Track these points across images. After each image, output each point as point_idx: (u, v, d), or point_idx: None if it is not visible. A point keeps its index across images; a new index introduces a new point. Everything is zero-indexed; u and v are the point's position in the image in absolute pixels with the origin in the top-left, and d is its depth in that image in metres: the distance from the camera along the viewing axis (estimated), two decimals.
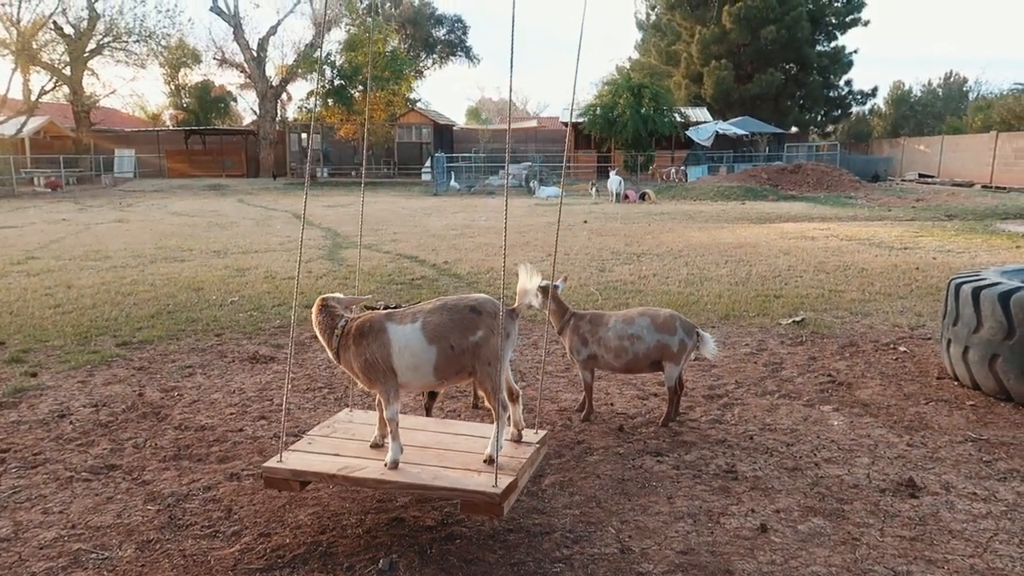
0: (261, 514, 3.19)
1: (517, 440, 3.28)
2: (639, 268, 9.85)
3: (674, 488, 3.47)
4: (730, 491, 3.44)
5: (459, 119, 59.23)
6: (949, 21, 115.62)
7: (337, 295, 3.29)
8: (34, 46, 33.68)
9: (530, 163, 32.92)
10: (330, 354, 3.16)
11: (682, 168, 30.60)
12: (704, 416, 4.46)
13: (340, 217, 18.19)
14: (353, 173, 38.50)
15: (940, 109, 51.03)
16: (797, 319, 6.87)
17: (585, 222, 16.28)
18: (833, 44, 43.37)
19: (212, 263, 10.44)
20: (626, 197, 22.60)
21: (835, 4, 42.53)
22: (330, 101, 36.81)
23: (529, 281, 3.25)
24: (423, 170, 35.96)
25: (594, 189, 25.46)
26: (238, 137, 43.02)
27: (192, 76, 47.41)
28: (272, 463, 3.05)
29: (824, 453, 3.89)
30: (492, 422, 3.10)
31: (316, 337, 3.30)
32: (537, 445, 3.28)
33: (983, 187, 27.76)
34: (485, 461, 3.00)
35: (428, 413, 4.22)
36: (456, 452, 3.16)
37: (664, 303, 7.59)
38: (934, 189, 27.38)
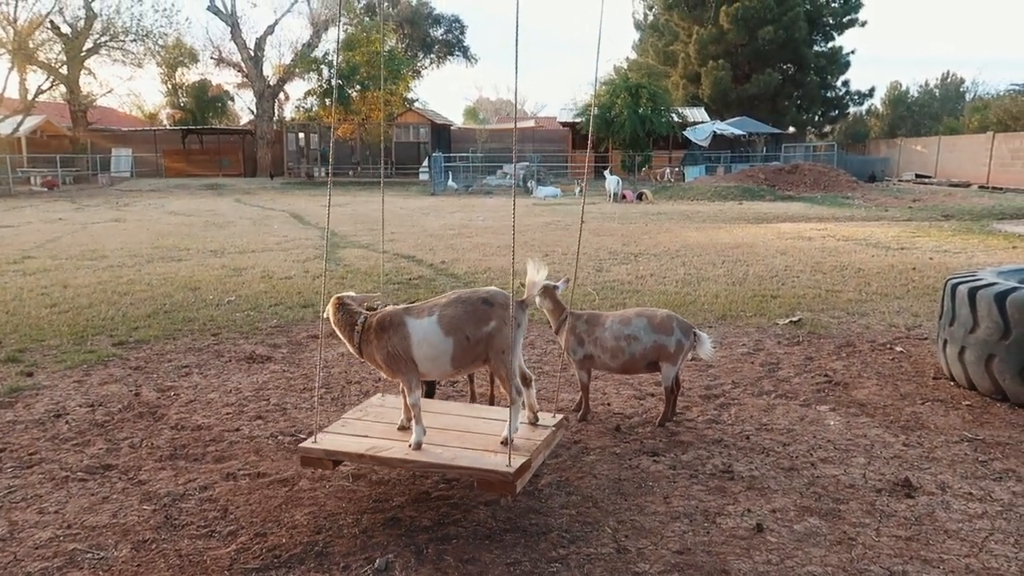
0: (257, 514, 3.19)
1: (533, 423, 3.45)
2: (636, 268, 9.86)
3: (670, 488, 3.48)
4: (726, 491, 3.44)
5: (457, 119, 59.24)
6: (946, 22, 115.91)
7: (350, 293, 3.47)
8: (31, 45, 33.61)
9: (528, 163, 32.94)
10: (351, 349, 3.35)
11: (676, 168, 30.61)
12: (701, 416, 4.46)
13: (338, 216, 18.16)
14: (351, 173, 38.47)
15: (937, 110, 51.12)
16: (794, 319, 6.88)
17: (582, 222, 16.29)
18: (830, 44, 43.46)
19: (209, 263, 10.42)
20: (623, 197, 22.61)
21: (832, 4, 42.61)
22: (327, 100, 36.80)
23: (537, 274, 3.45)
24: (421, 170, 35.95)
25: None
26: (235, 136, 43.00)
27: (189, 75, 47.46)
28: (307, 443, 3.26)
29: (820, 453, 3.89)
30: (505, 407, 3.27)
31: (333, 335, 3.49)
32: (553, 428, 3.46)
33: (980, 187, 27.82)
34: (501, 443, 3.16)
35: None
36: (475, 434, 3.35)
37: (661, 303, 7.59)
38: (931, 189, 27.43)
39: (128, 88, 74.49)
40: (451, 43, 53.97)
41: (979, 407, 4.61)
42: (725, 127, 33.37)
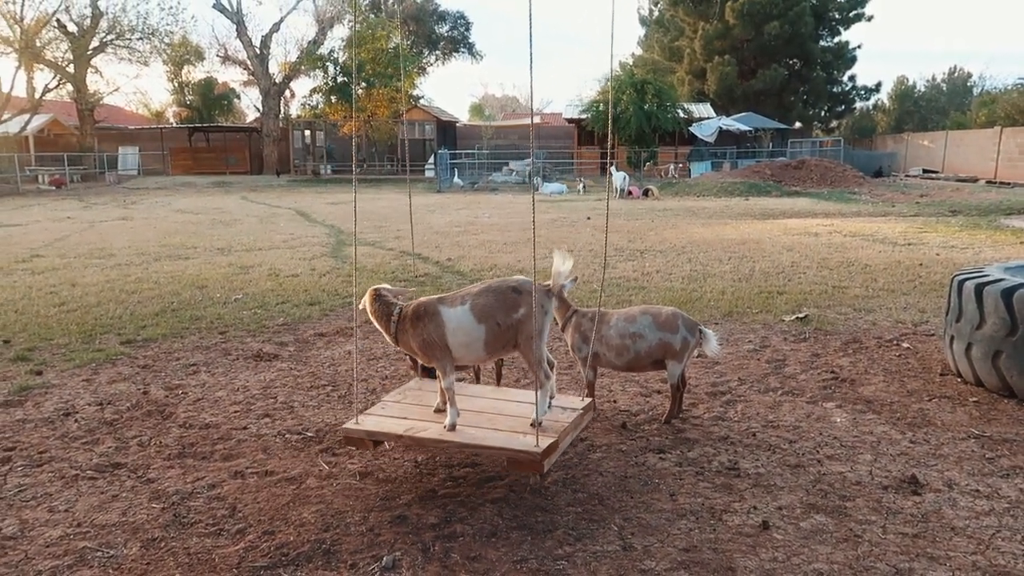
0: (265, 512, 3.21)
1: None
2: (642, 264, 9.85)
3: (677, 485, 3.48)
4: (732, 488, 3.45)
5: (463, 115, 59.24)
6: (953, 15, 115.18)
7: (385, 286, 3.63)
8: (38, 44, 33.73)
9: (534, 159, 32.89)
10: (388, 338, 3.54)
11: (679, 165, 30.53)
12: (707, 413, 4.46)
13: (344, 214, 18.20)
14: (362, 167, 38.51)
15: (944, 104, 50.87)
16: (800, 316, 6.86)
17: (588, 218, 16.29)
18: (837, 39, 43.27)
19: (216, 260, 10.46)
20: (629, 193, 22.59)
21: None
22: (333, 98, 36.84)
23: (563, 265, 3.52)
24: (427, 167, 35.96)
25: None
26: (241, 134, 43.09)
27: (195, 73, 47.56)
28: (350, 424, 3.46)
29: (827, 450, 3.89)
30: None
31: (366, 323, 3.70)
32: (581, 410, 3.61)
33: (987, 183, 27.67)
34: (531, 424, 3.33)
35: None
36: (506, 416, 3.52)
37: (667, 300, 7.59)
38: (938, 185, 27.30)
39: (135, 86, 74.50)
40: (456, 39, 53.90)
41: (986, 404, 4.60)
42: (731, 123, 33.27)
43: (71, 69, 35.68)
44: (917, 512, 3.22)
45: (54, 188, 29.86)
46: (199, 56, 44.87)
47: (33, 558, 2.88)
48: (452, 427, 3.33)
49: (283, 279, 8.94)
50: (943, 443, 3.99)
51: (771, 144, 34.42)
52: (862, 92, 45.23)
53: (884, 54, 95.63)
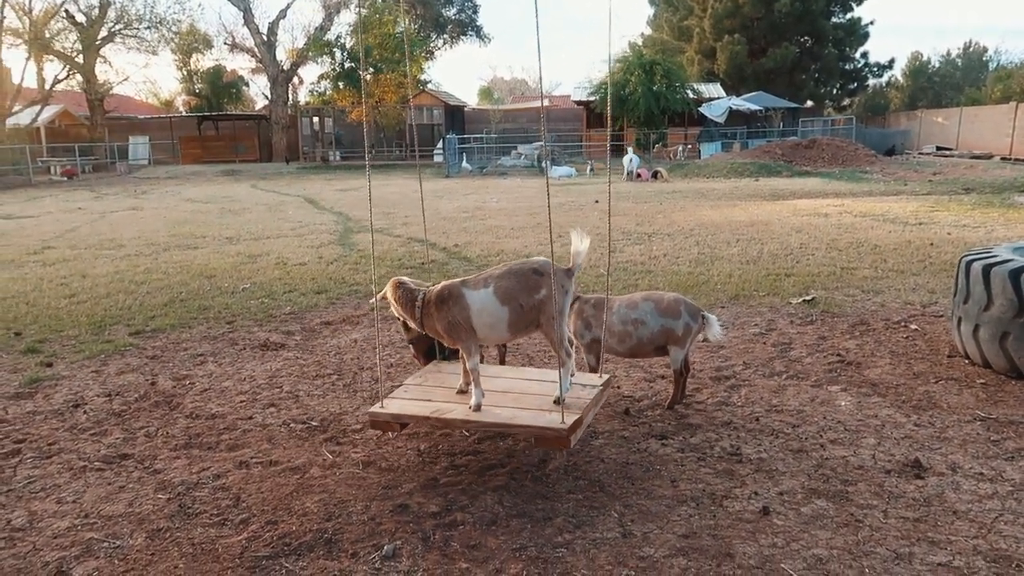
0: (269, 502, 3.24)
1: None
2: (649, 248, 9.81)
3: (678, 471, 3.49)
4: (734, 474, 3.45)
5: (472, 99, 58.99)
6: None
7: (403, 278, 3.70)
8: (47, 35, 33.84)
9: (542, 143, 32.76)
10: (413, 324, 3.64)
11: (689, 146, 30.29)
12: (711, 398, 4.46)
13: (353, 201, 18.22)
14: (371, 153, 38.53)
15: (959, 80, 50.12)
16: (808, 298, 6.83)
17: (596, 202, 16.22)
18: (848, 16, 42.67)
19: (224, 250, 10.51)
20: (638, 176, 22.46)
21: None
22: (341, 84, 36.77)
23: (580, 244, 3.54)
24: (435, 152, 35.89)
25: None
26: (250, 122, 43.13)
27: (204, 61, 47.57)
28: (375, 408, 3.51)
29: (830, 434, 3.88)
30: (556, 368, 3.53)
31: (385, 311, 3.76)
32: (601, 387, 3.72)
33: (1002, 159, 27.33)
34: (555, 402, 3.40)
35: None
36: (530, 395, 3.59)
37: (674, 284, 7.57)
38: (952, 162, 26.98)
39: (144, 75, 74.84)
40: (464, 23, 53.62)
41: (993, 385, 4.57)
42: (741, 103, 32.95)
43: (80, 60, 35.78)
44: (919, 496, 3.21)
45: (66, 179, 30.03)
46: (207, 44, 44.86)
47: (41, 549, 2.93)
48: (478, 407, 3.41)
49: (290, 268, 8.98)
50: (948, 426, 3.97)
51: (782, 124, 34.09)
52: (875, 69, 44.70)
53: (898, 29, 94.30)
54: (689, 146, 30.44)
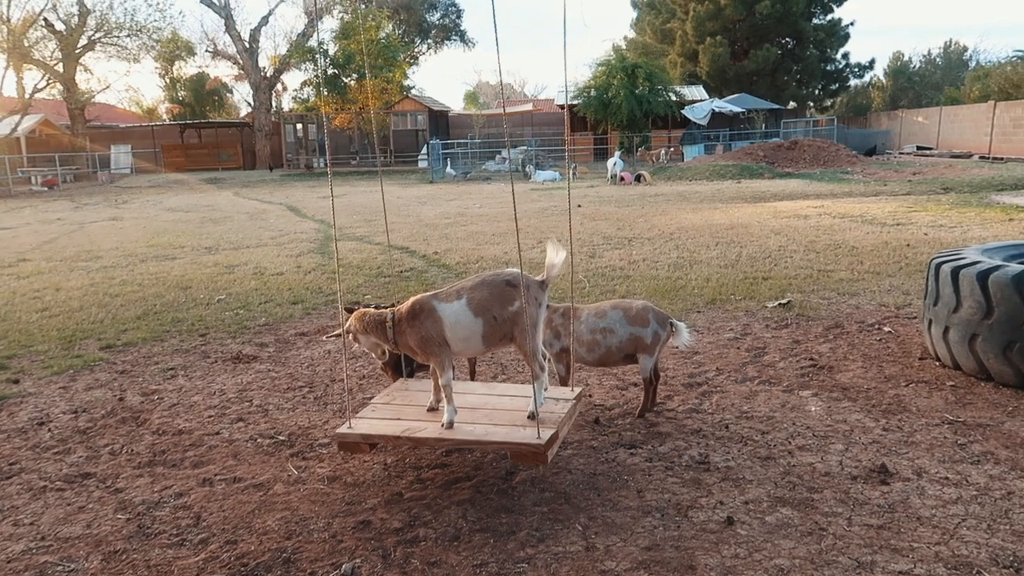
0: (230, 520, 3.20)
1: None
2: (629, 253, 9.82)
3: (645, 481, 3.47)
4: (701, 483, 3.44)
5: (457, 104, 58.97)
6: None
7: (366, 308, 3.68)
8: (26, 44, 33.55)
9: (526, 147, 32.80)
10: (387, 346, 3.59)
11: (672, 149, 30.38)
12: (682, 405, 4.45)
13: (335, 208, 18.10)
14: (352, 162, 38.40)
15: (939, 79, 50.55)
16: (783, 302, 6.84)
17: (579, 206, 16.22)
18: (829, 17, 42.98)
19: (202, 260, 10.43)
20: (622, 179, 22.50)
21: None
22: (324, 90, 36.66)
23: (556, 256, 3.53)
24: (420, 157, 35.84)
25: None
26: (233, 129, 42.91)
27: (187, 69, 47.34)
28: (343, 429, 3.44)
29: (799, 440, 3.88)
30: (529, 383, 3.50)
31: (343, 336, 3.68)
32: (574, 401, 3.67)
33: (980, 158, 27.57)
34: (529, 417, 3.36)
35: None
36: (503, 411, 3.55)
37: (652, 288, 7.57)
38: (931, 161, 27.19)
39: (127, 83, 74.43)
40: (448, 28, 53.67)
41: (963, 387, 4.59)
42: (724, 105, 33.11)
43: (60, 68, 35.51)
44: (884, 503, 3.21)
45: (46, 189, 29.76)
46: (190, 51, 44.64)
47: None
48: (451, 424, 3.36)
49: (268, 278, 8.91)
50: (916, 430, 3.97)
51: (764, 125, 34.26)
52: (856, 70, 45.00)
53: (880, 30, 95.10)
54: (672, 149, 30.52)
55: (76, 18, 35.32)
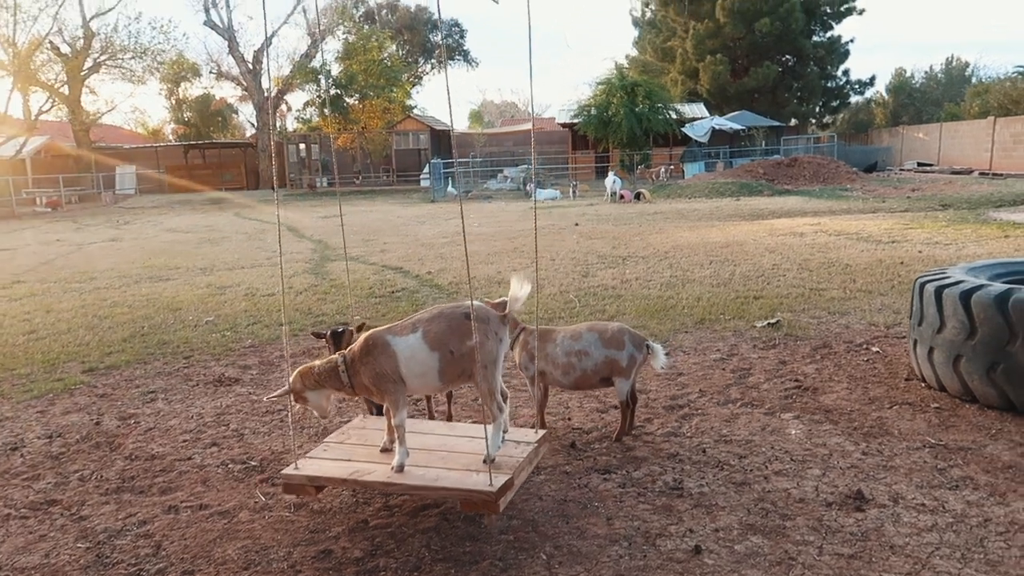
0: (190, 549, 3.15)
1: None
2: (622, 272, 9.78)
3: (616, 508, 3.41)
4: (672, 509, 3.37)
5: (462, 123, 59.25)
6: (946, 4, 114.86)
7: (309, 364, 3.42)
8: (32, 67, 33.89)
9: (528, 166, 32.89)
10: (345, 393, 3.38)
11: (671, 167, 30.42)
12: (660, 429, 4.39)
13: (333, 228, 18.17)
14: (356, 181, 38.59)
15: (940, 95, 50.61)
16: (772, 321, 6.78)
17: (577, 224, 16.21)
18: (829, 34, 43.15)
19: (195, 281, 10.43)
20: (621, 197, 22.51)
21: None
22: (326, 111, 36.93)
23: (520, 290, 3.39)
24: (422, 177, 35.97)
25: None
26: (237, 150, 43.18)
27: (193, 90, 47.73)
28: (289, 470, 3.29)
29: (776, 465, 3.81)
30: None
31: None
32: (535, 444, 3.48)
33: (980, 174, 27.50)
34: (484, 461, 3.18)
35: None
36: (459, 453, 3.39)
37: (642, 308, 7.52)
38: (931, 178, 27.14)
39: (132, 104, 75.03)
40: (451, 47, 54.13)
41: (948, 409, 4.52)
42: (724, 122, 33.19)
43: (65, 90, 35.84)
44: (857, 530, 3.14)
45: (50, 210, 29.94)
46: (195, 73, 45.02)
47: None
48: (401, 468, 3.20)
49: (258, 299, 8.90)
50: (896, 454, 3.90)
51: (764, 142, 34.30)
52: (856, 86, 45.09)
53: (881, 46, 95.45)
54: (672, 166, 30.57)
55: (81, 41, 35.71)
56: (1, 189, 30.05)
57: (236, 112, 51.14)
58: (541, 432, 3.63)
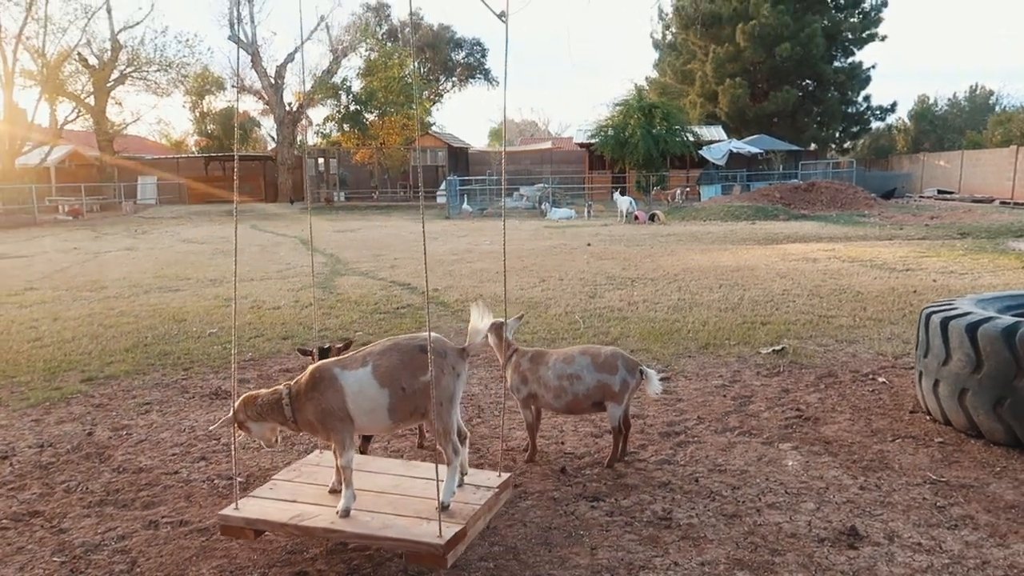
0: (165, 567, 3.10)
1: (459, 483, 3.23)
2: (630, 294, 9.70)
3: (601, 538, 3.32)
4: (659, 541, 3.29)
5: (481, 141, 59.57)
6: (970, 33, 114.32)
7: (253, 392, 3.24)
8: (59, 77, 34.50)
9: (543, 184, 32.94)
10: (288, 428, 3.18)
11: (687, 189, 30.32)
12: (654, 456, 4.30)
13: (347, 242, 18.24)
14: (375, 195, 38.81)
15: (963, 123, 50.23)
16: (777, 348, 6.67)
17: (589, 245, 16.15)
18: (850, 60, 43.04)
19: (204, 292, 10.47)
20: (636, 218, 22.44)
21: (851, 20, 42.22)
22: (346, 126, 37.27)
23: (481, 321, 3.17)
24: (438, 193, 36.12)
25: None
26: (256, 163, 43.59)
27: (216, 103, 48.44)
28: (228, 510, 3.08)
29: (769, 497, 3.71)
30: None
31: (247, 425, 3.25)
32: (496, 490, 3.24)
33: (1001, 203, 27.17)
34: (438, 509, 2.94)
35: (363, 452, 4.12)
36: (412, 498, 3.14)
37: (647, 331, 7.44)
38: (951, 206, 26.84)
39: (157, 116, 76.39)
40: (472, 66, 54.55)
41: (952, 444, 4.40)
42: (742, 146, 33.08)
43: (91, 101, 36.43)
44: (849, 569, 3.04)
45: (71, 218, 30.32)
46: (220, 86, 45.65)
47: None
48: (346, 512, 2.98)
49: (264, 312, 8.90)
50: (895, 489, 3.79)
51: (782, 166, 34.14)
52: (877, 112, 44.86)
53: (906, 72, 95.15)
54: (688, 188, 30.47)
55: (109, 53, 36.33)
56: (24, 196, 30.51)
57: (258, 126, 51.80)
58: (504, 476, 3.38)
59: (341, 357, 3.17)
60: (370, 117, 37.53)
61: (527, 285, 10.60)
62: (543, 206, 28.59)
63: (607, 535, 3.35)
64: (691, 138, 31.99)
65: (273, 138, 43.23)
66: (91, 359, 6.72)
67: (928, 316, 4.84)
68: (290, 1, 40.55)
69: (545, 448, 4.41)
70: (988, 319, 4.43)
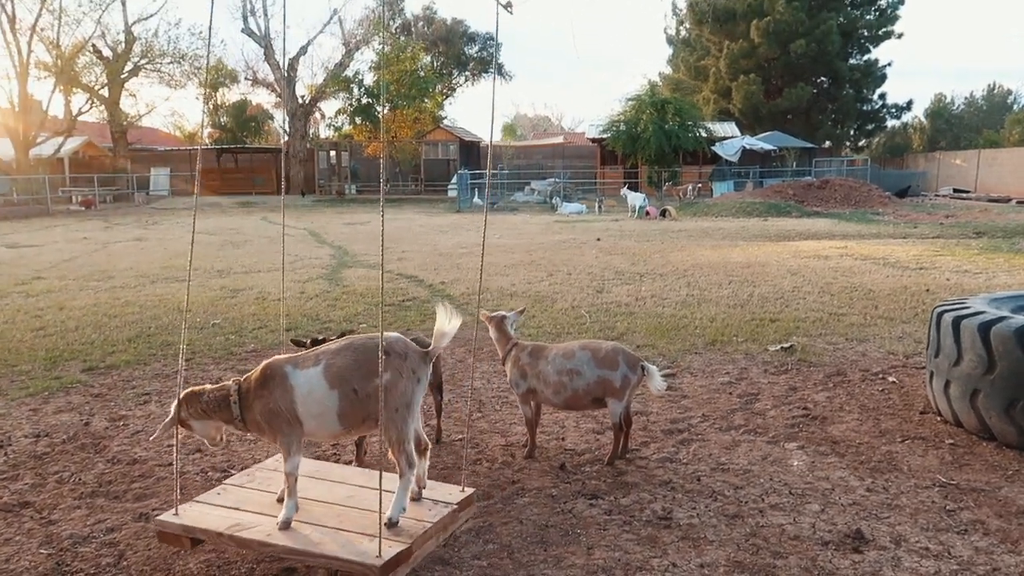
0: (152, 561, 3.05)
1: (416, 498, 3.02)
2: (638, 289, 9.59)
3: (598, 537, 3.24)
4: (657, 541, 3.20)
5: (495, 134, 59.46)
6: (989, 33, 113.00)
7: (195, 388, 3.07)
8: (74, 69, 34.64)
9: (555, 179, 32.80)
10: (235, 427, 2.98)
11: (699, 185, 30.10)
12: (656, 454, 4.21)
13: (355, 235, 18.21)
14: (386, 188, 38.75)
15: (980, 122, 49.64)
16: (786, 346, 6.56)
17: (598, 239, 16.03)
18: (866, 57, 42.58)
19: (210, 283, 10.44)
20: (647, 214, 22.29)
21: (867, 17, 41.75)
22: (358, 119, 37.25)
23: (448, 323, 2.96)
24: (449, 187, 36.05)
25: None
26: (268, 155, 43.66)
27: (230, 95, 48.51)
28: (167, 516, 2.93)
29: (772, 498, 3.62)
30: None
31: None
32: (455, 507, 3.00)
33: (1018, 202, 26.81)
34: (386, 524, 2.75)
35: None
36: (362, 511, 2.92)
37: (653, 326, 7.34)
38: (967, 205, 26.51)
39: (171, 108, 76.61)
40: (486, 60, 54.35)
41: (963, 446, 4.28)
42: (755, 142, 32.78)
43: (105, 92, 36.56)
44: (852, 574, 2.94)
45: (84, 209, 30.47)
46: (233, 78, 45.72)
47: None
48: (286, 524, 2.79)
49: (268, 303, 8.86)
50: (903, 492, 3.69)
51: (795, 163, 33.83)
52: (893, 110, 44.37)
53: (923, 70, 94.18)
54: (700, 184, 30.24)
55: (122, 45, 36.44)
56: (38, 187, 30.68)
57: (271, 118, 51.92)
58: (467, 492, 3.15)
59: (296, 354, 2.96)
60: (384, 111, 37.44)
61: (535, 279, 10.51)
62: (554, 201, 28.48)
63: (605, 534, 3.27)
64: (704, 134, 31.73)
65: (285, 131, 43.28)
66: (93, 349, 6.69)
67: (940, 315, 4.72)
68: None
69: (545, 444, 4.33)
70: (1001, 318, 4.31)
